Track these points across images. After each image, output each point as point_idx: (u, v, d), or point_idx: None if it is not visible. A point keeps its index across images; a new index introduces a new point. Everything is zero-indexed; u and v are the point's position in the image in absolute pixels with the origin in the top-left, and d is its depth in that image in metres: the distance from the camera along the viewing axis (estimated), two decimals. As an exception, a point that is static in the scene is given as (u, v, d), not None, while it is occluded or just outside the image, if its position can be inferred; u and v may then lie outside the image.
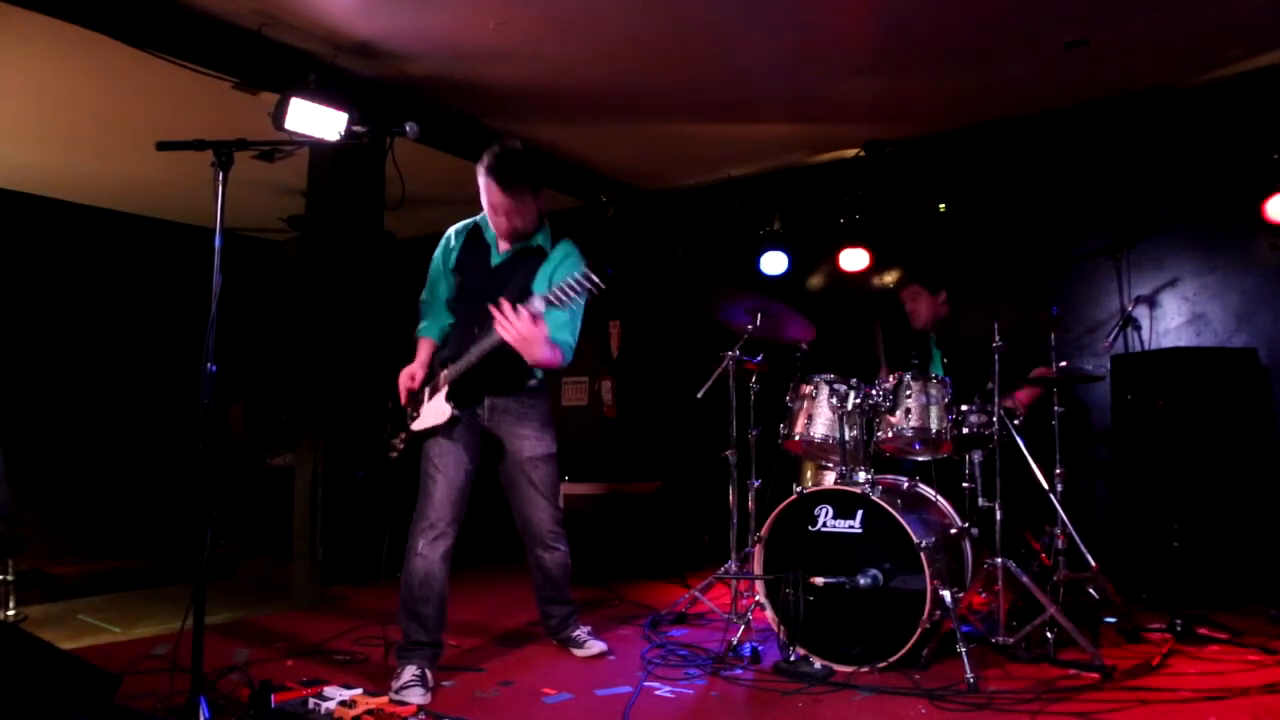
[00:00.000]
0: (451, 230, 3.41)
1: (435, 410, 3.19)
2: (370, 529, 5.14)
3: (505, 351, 2.95)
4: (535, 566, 3.47)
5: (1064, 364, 3.95)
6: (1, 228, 6.65)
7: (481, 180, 3.10)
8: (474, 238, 3.35)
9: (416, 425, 3.25)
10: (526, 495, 3.35)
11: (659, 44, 4.57)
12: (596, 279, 2.64)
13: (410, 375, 3.31)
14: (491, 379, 3.20)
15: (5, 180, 6.56)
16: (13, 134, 5.69)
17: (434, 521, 3.13)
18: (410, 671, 2.97)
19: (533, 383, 3.31)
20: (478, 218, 3.35)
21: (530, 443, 3.32)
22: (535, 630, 3.90)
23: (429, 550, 3.10)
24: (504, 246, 3.27)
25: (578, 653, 3.51)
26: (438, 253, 3.41)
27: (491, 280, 3.21)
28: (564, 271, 3.05)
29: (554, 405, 7.15)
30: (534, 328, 2.81)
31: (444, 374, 3.20)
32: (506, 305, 2.83)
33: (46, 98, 5.16)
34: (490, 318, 2.89)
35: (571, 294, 2.71)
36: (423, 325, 3.44)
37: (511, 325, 2.81)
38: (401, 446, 3.31)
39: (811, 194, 6.25)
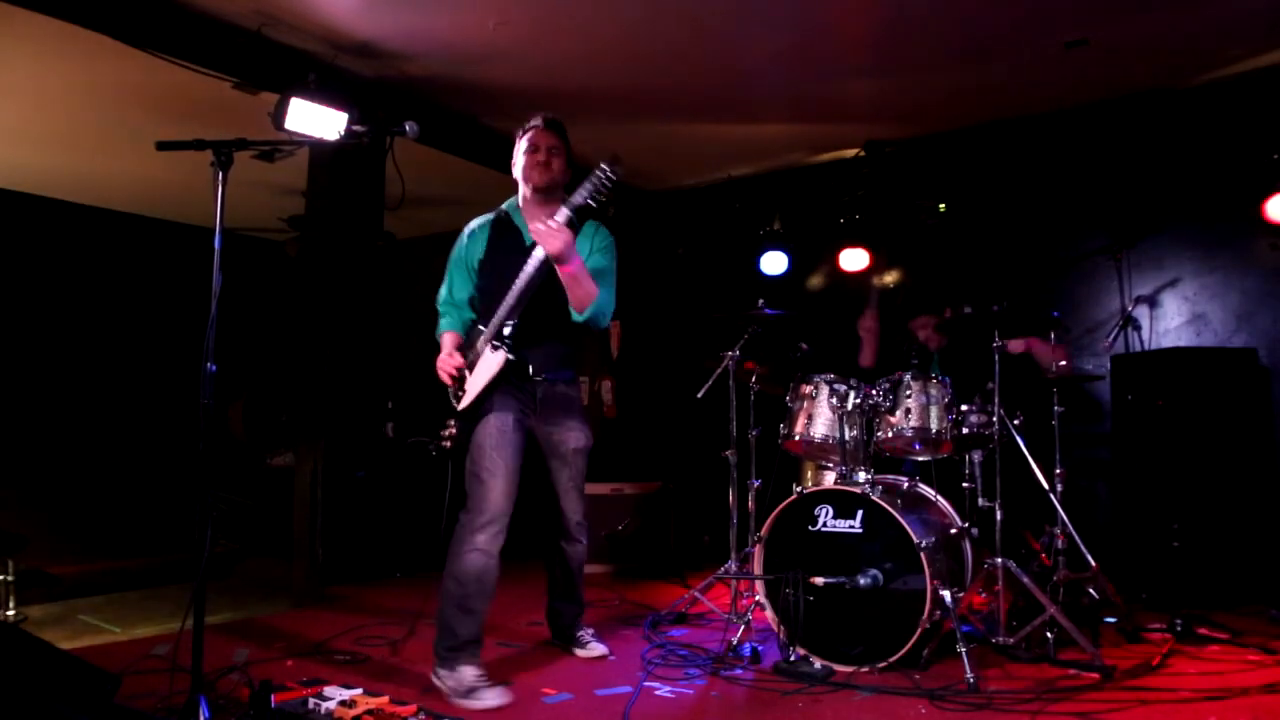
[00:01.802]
0: (472, 225, 3.37)
1: (486, 368, 3.11)
2: (370, 529, 5.15)
3: (546, 294, 3.05)
4: (557, 561, 3.46)
5: (1064, 364, 3.95)
6: (1, 228, 6.65)
7: (526, 134, 3.26)
8: (502, 226, 3.32)
9: (466, 400, 3.15)
10: (564, 486, 3.35)
11: (659, 44, 4.57)
12: (614, 171, 2.88)
13: (450, 355, 3.21)
14: (537, 342, 3.14)
15: (5, 180, 6.55)
16: (13, 134, 5.69)
17: (494, 516, 3.05)
18: (473, 673, 2.92)
19: (573, 374, 3.35)
20: (502, 207, 3.36)
21: (576, 434, 3.33)
22: (535, 630, 3.91)
23: (490, 545, 3.03)
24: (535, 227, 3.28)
25: (580, 653, 3.51)
26: (459, 250, 3.36)
27: (527, 258, 3.18)
28: (602, 255, 3.27)
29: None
30: (569, 234, 2.92)
31: (481, 338, 3.15)
32: (544, 219, 2.93)
33: (47, 98, 5.15)
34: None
35: (602, 192, 2.90)
36: (444, 322, 3.37)
37: (551, 236, 2.90)
38: (454, 430, 3.21)
39: (811, 194, 6.25)
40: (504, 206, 3.37)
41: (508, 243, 3.27)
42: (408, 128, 3.18)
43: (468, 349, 3.24)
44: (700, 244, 6.81)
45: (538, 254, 3.02)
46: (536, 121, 3.27)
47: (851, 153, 5.95)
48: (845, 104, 5.32)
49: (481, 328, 3.20)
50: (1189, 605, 3.96)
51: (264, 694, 2.63)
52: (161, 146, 2.59)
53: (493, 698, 2.86)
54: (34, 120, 5.49)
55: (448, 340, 3.33)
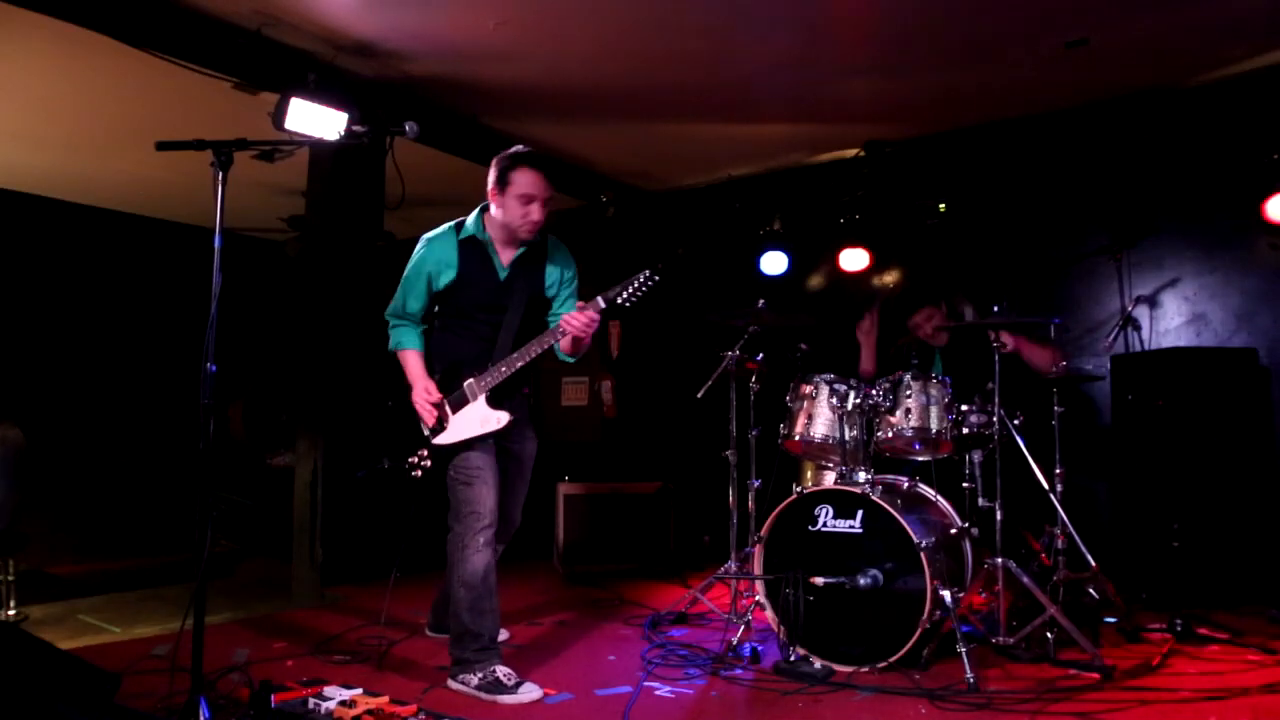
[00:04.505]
0: (434, 245, 3.26)
1: (481, 418, 3.14)
2: (370, 529, 5.14)
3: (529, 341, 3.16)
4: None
5: (1064, 364, 3.95)
6: (1, 228, 6.65)
7: (521, 175, 3.12)
8: (472, 251, 3.23)
9: (450, 438, 3.16)
10: (517, 492, 3.40)
11: (659, 44, 4.57)
12: (657, 276, 2.93)
13: (427, 390, 3.18)
14: (517, 382, 3.21)
15: (5, 180, 6.55)
16: (13, 134, 5.69)
17: (491, 519, 3.11)
18: (505, 670, 2.99)
19: (528, 387, 3.40)
20: (469, 228, 3.24)
21: (531, 444, 3.42)
22: (533, 630, 3.91)
23: (487, 548, 3.10)
24: (507, 258, 3.25)
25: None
26: (420, 262, 3.26)
27: (502, 290, 3.23)
28: (569, 269, 3.34)
29: (553, 405, 7.23)
30: (596, 324, 3.03)
31: (473, 383, 3.15)
32: (574, 318, 2.99)
33: (47, 98, 5.15)
34: (508, 322, 3.18)
35: (639, 295, 2.93)
36: (401, 338, 3.30)
37: (580, 328, 3.00)
38: (429, 463, 3.19)
39: (811, 194, 6.24)
40: (469, 228, 3.24)
41: (480, 273, 3.23)
42: (408, 128, 3.19)
43: (445, 384, 3.20)
44: (700, 244, 6.80)
45: (555, 335, 3.09)
46: (533, 159, 3.15)
47: (851, 153, 5.94)
48: (845, 104, 5.32)
49: (454, 365, 3.22)
50: (1189, 605, 3.96)
51: (264, 694, 2.63)
52: (161, 146, 2.59)
53: (534, 690, 2.95)
54: (34, 120, 5.48)
55: (416, 364, 3.24)
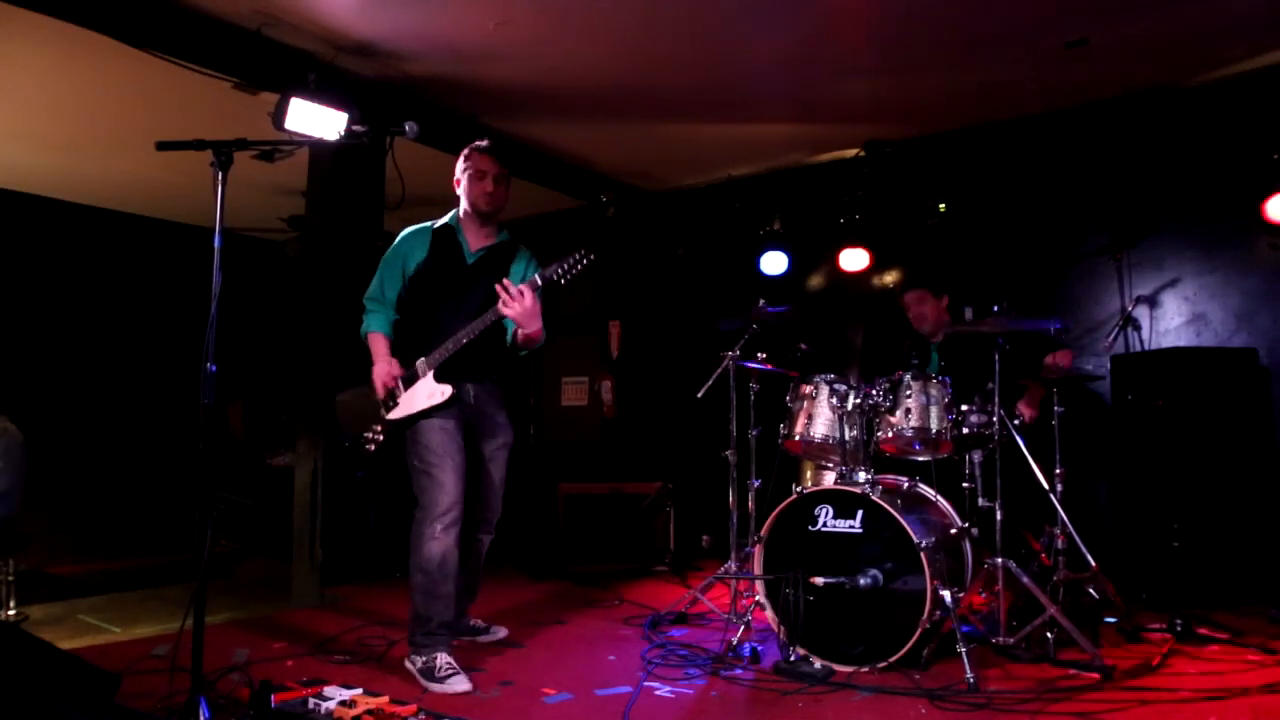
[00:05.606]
0: (410, 233, 3.47)
1: (427, 392, 3.24)
2: (370, 529, 5.15)
3: (490, 333, 3.24)
4: (470, 551, 3.50)
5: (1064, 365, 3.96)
6: (1, 228, 6.66)
7: (472, 158, 3.39)
8: (444, 239, 3.42)
9: (400, 413, 3.28)
10: (492, 479, 3.46)
11: (659, 44, 4.58)
12: (591, 255, 3.08)
13: (390, 365, 3.34)
14: (473, 361, 3.30)
15: (5, 180, 6.55)
16: (13, 134, 5.69)
17: (448, 508, 3.18)
18: (444, 659, 3.05)
19: (498, 375, 3.48)
20: (444, 220, 3.46)
21: (505, 430, 3.49)
22: (533, 630, 3.91)
23: (446, 533, 3.16)
24: (476, 246, 3.42)
25: (485, 639, 3.65)
26: (395, 250, 3.46)
27: (468, 277, 3.38)
28: (533, 270, 3.42)
29: (554, 405, 7.23)
30: (535, 303, 3.11)
31: (422, 362, 3.28)
32: (510, 285, 3.09)
33: (47, 98, 5.16)
34: (469, 309, 3.26)
35: (573, 273, 3.07)
36: (371, 321, 3.48)
37: (515, 303, 3.07)
38: (382, 438, 3.34)
39: (811, 194, 6.25)
40: (445, 220, 3.46)
41: (448, 257, 3.41)
42: (408, 128, 3.21)
43: (403, 361, 3.34)
44: (700, 244, 6.81)
45: (487, 317, 3.18)
46: (483, 145, 3.41)
47: (851, 153, 5.95)
48: (845, 104, 5.32)
49: (416, 349, 3.32)
50: (1189, 605, 3.96)
51: (264, 694, 2.63)
52: (161, 146, 2.59)
53: (463, 683, 3.00)
54: (34, 120, 5.49)
55: (381, 344, 3.42)
